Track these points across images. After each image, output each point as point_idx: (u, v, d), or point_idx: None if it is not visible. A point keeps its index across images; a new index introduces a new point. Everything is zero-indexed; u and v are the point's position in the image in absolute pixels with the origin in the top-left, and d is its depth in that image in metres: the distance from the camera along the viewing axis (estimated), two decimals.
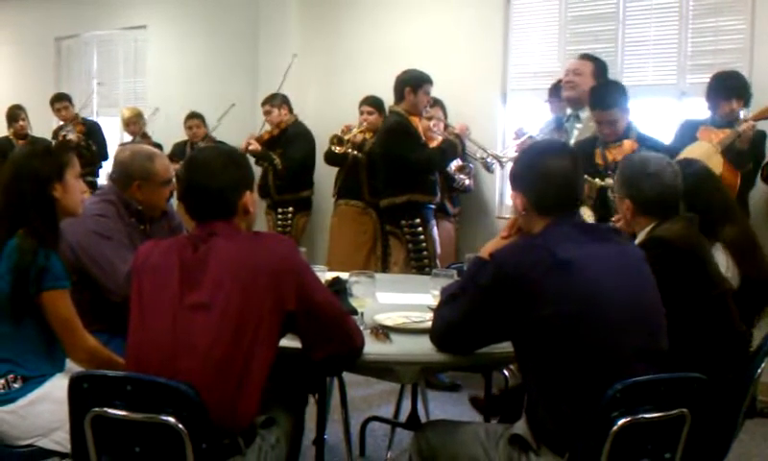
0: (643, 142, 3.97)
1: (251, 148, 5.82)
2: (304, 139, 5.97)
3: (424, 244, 4.96)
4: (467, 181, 5.49)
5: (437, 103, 5.36)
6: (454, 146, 5.09)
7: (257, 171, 5.88)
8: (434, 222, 5.06)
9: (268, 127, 6.10)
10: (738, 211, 3.32)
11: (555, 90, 5.05)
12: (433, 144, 5.03)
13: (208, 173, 2.19)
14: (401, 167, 4.92)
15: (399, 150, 4.93)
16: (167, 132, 6.92)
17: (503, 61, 5.88)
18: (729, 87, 4.28)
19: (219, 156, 2.27)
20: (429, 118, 5.13)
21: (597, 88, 4.18)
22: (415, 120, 5.01)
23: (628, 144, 3.95)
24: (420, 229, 4.97)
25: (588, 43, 5.43)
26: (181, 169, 2.29)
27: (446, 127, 5.26)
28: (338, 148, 5.52)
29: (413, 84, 4.95)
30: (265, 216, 6.11)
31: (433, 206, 5.08)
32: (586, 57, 4.57)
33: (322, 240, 6.22)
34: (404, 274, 4.82)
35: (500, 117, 5.92)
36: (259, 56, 6.80)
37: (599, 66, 4.46)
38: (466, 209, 5.81)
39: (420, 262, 4.91)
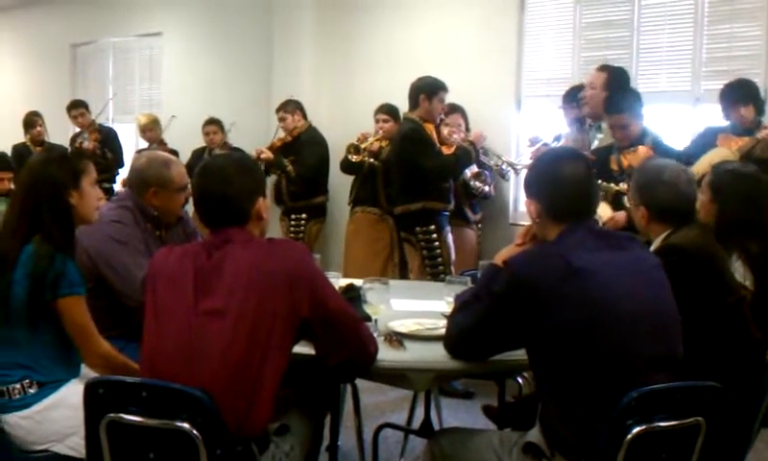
0: (659, 148, 3.96)
1: (262, 157, 5.82)
2: (318, 145, 5.98)
3: (439, 251, 4.95)
4: (485, 188, 5.43)
5: (457, 110, 5.34)
6: (468, 153, 5.06)
7: (271, 178, 5.91)
8: (448, 228, 5.05)
9: (281, 133, 6.11)
10: None
11: (568, 97, 5.04)
12: (448, 151, 5.02)
13: (222, 180, 2.20)
14: (416, 174, 4.91)
15: (414, 157, 4.91)
16: (183, 138, 6.94)
17: (517, 68, 5.88)
18: (737, 94, 4.27)
19: (232, 163, 2.27)
20: (446, 125, 5.11)
21: (611, 94, 4.21)
22: (429, 127, 5.00)
23: (643, 150, 3.95)
24: (435, 235, 4.96)
25: (602, 50, 5.43)
26: (195, 177, 2.29)
27: (465, 134, 5.24)
28: (355, 157, 5.52)
29: (428, 90, 4.94)
30: (279, 222, 6.12)
31: (447, 213, 5.08)
32: (601, 68, 4.55)
33: (337, 248, 6.22)
34: (419, 281, 4.81)
35: (514, 124, 5.91)
36: (274, 61, 6.83)
37: (613, 75, 4.44)
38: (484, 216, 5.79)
39: (435, 269, 4.90)
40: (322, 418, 2.66)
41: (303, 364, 2.27)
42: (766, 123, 4.18)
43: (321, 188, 6.08)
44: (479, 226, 5.66)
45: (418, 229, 4.99)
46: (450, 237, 5.05)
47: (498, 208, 5.90)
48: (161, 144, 6.91)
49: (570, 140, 4.83)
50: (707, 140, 4.29)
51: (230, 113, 6.78)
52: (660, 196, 2.69)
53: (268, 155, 5.88)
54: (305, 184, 5.91)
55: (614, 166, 4.02)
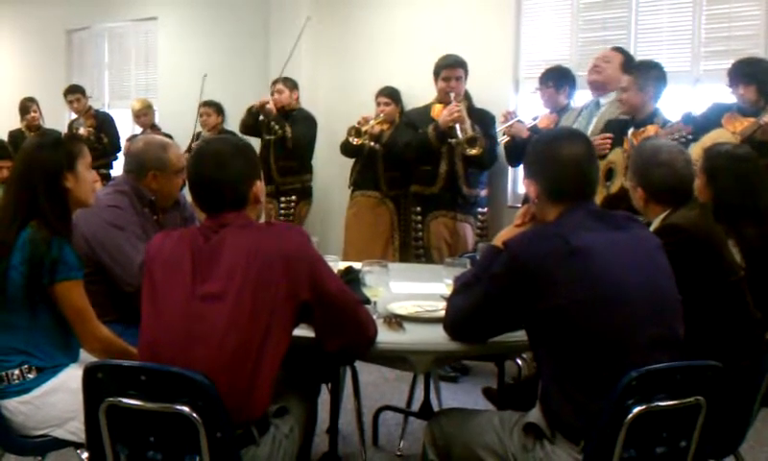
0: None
1: (268, 107, 5.68)
2: (311, 121, 5.93)
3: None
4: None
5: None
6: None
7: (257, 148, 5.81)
8: None
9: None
10: None
11: (544, 78, 5.06)
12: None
13: (218, 165, 2.18)
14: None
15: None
16: (177, 123, 6.90)
17: (515, 49, 5.85)
18: (738, 73, 4.24)
19: (227, 146, 2.25)
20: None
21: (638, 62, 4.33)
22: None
23: (652, 129, 3.91)
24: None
25: (600, 30, 5.40)
26: (190, 161, 2.27)
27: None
28: (355, 140, 5.48)
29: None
30: (265, 204, 6.05)
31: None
32: (617, 49, 4.64)
33: (333, 231, 6.20)
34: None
35: (512, 105, 5.88)
36: (270, 46, 6.79)
37: (628, 60, 4.52)
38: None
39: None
40: (315, 399, 2.66)
41: (299, 346, 2.26)
42: None
43: (308, 166, 6.04)
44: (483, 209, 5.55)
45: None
46: None
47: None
48: (154, 129, 6.86)
49: (548, 120, 4.91)
50: (711, 118, 4.24)
51: (226, 98, 6.73)
52: (656, 177, 2.68)
53: (272, 107, 5.75)
54: (298, 155, 5.86)
55: (627, 147, 3.97)
